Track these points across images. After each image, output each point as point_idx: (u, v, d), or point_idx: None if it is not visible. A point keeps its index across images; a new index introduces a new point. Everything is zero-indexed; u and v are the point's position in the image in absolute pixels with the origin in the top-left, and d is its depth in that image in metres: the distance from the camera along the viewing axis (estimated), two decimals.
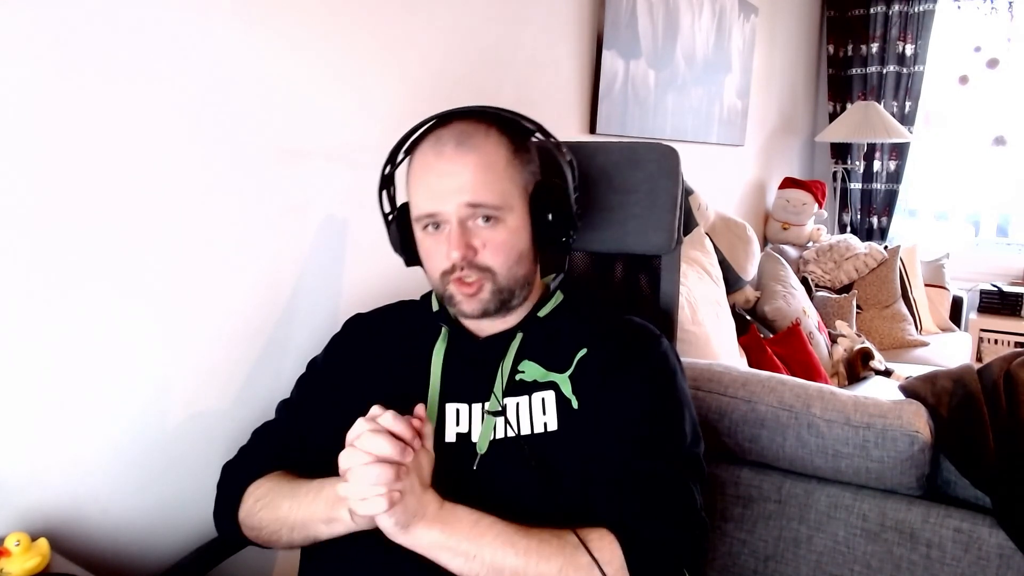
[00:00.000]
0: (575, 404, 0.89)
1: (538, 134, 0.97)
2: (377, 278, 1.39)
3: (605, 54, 2.08)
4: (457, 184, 0.87)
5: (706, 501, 0.87)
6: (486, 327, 0.97)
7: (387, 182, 1.00)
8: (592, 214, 1.16)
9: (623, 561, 0.78)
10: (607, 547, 0.79)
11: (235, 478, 0.96)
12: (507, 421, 0.89)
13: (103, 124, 0.94)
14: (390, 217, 1.00)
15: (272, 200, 1.19)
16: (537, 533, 0.80)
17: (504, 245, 0.89)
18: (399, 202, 1.00)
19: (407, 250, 0.97)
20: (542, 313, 0.97)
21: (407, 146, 0.96)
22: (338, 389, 0.99)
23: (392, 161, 0.99)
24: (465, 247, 0.87)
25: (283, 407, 1.03)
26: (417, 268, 1.00)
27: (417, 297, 1.07)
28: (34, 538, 0.86)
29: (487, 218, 0.88)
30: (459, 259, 0.87)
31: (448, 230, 0.88)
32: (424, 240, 0.92)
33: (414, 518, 0.78)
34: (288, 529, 0.87)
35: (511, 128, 0.93)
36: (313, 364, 1.05)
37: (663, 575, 0.80)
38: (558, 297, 1.00)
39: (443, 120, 0.92)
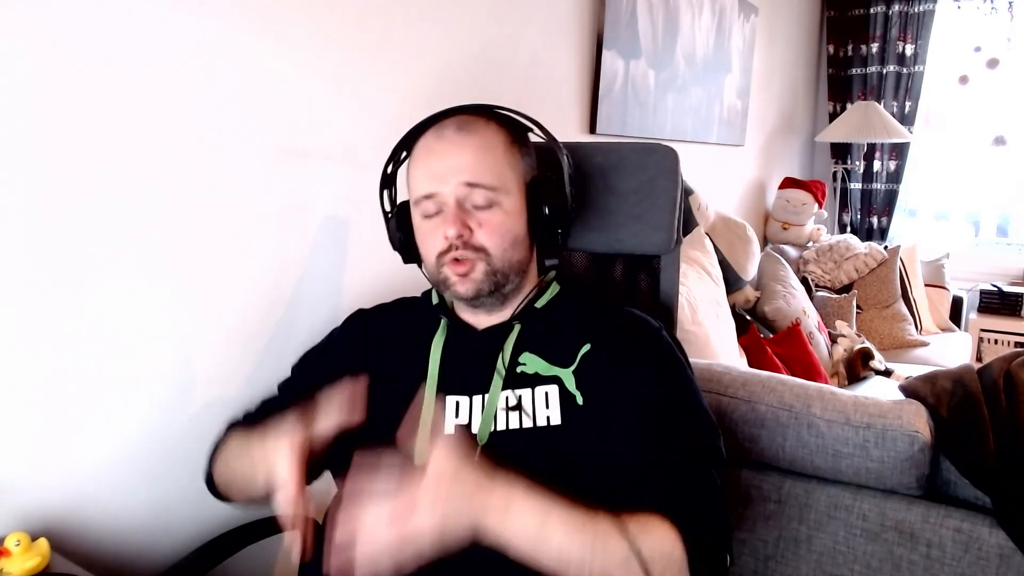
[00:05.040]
0: (579, 400, 0.89)
1: (536, 130, 0.99)
2: (378, 277, 1.39)
3: (605, 54, 2.08)
4: (456, 164, 0.90)
5: None
6: (484, 319, 0.98)
7: (388, 181, 1.02)
8: (591, 214, 1.16)
9: (683, 549, 0.77)
10: (668, 534, 0.77)
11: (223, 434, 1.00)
12: (522, 411, 0.89)
13: (105, 124, 0.95)
14: (390, 215, 1.01)
15: (273, 200, 1.19)
16: (593, 524, 0.75)
17: (500, 227, 0.91)
18: (399, 201, 1.02)
19: (405, 247, 0.99)
20: (539, 304, 0.98)
21: (409, 144, 0.98)
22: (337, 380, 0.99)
23: (395, 159, 1.00)
24: (461, 225, 0.89)
25: (283, 386, 1.06)
26: (417, 268, 1.00)
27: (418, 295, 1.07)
28: (34, 538, 0.86)
29: (484, 202, 0.90)
30: (454, 236, 0.89)
31: (446, 212, 0.90)
32: (422, 225, 0.94)
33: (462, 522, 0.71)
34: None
35: (510, 123, 0.97)
36: (311, 352, 1.06)
37: (716, 561, 0.81)
38: (554, 288, 1.01)
39: (445, 115, 0.95)
